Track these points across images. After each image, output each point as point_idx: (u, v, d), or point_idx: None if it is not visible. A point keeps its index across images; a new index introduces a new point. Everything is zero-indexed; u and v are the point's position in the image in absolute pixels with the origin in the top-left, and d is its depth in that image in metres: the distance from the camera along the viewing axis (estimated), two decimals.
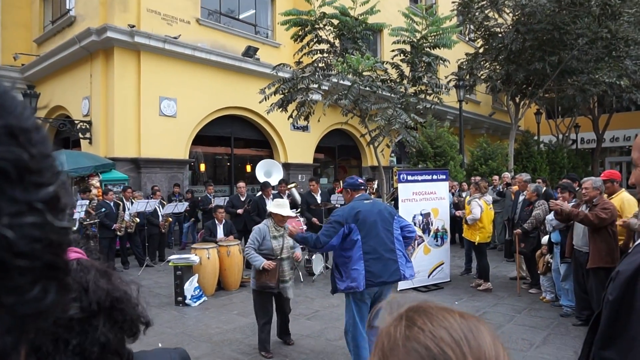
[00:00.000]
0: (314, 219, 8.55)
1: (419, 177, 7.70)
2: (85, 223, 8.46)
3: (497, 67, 15.84)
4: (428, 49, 10.18)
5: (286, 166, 14.37)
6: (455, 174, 12.18)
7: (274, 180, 9.81)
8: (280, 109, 9.90)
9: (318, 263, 8.19)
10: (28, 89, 12.14)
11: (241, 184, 9.41)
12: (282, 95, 9.73)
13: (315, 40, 10.07)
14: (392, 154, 16.83)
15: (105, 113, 11.12)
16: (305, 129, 14.32)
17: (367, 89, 9.69)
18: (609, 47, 13.82)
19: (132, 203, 9.13)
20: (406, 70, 10.53)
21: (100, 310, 0.76)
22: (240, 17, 13.80)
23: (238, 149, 14.27)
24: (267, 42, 14.02)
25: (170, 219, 10.09)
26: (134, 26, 10.87)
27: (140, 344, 0.93)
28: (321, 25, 9.94)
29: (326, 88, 10.88)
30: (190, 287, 6.46)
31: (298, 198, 8.95)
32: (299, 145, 14.63)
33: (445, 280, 7.62)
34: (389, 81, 10.44)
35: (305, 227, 7.99)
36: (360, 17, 10.09)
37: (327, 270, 8.49)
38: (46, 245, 0.36)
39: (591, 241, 5.17)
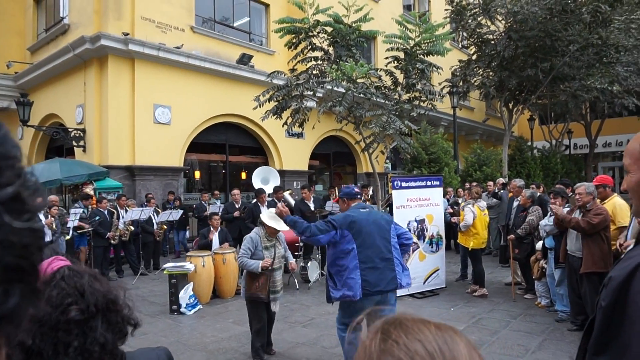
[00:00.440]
0: (285, 227, 8.53)
1: (413, 184, 7.72)
2: (79, 232, 8.40)
3: (490, 73, 15.96)
4: (421, 56, 10.25)
5: (281, 173, 14.35)
6: (449, 180, 12.23)
7: (270, 187, 9.80)
8: (275, 116, 9.92)
9: (314, 270, 8.17)
10: (21, 97, 12.08)
11: (236, 192, 9.39)
12: (277, 103, 9.75)
13: (309, 47, 10.11)
14: (387, 161, 16.87)
15: (99, 121, 11.09)
16: (300, 135, 14.34)
17: (362, 95, 9.74)
18: (600, 54, 13.97)
19: (126, 211, 9.09)
20: (400, 77, 10.59)
21: (98, 312, 0.78)
22: (235, 24, 13.84)
23: (233, 156, 14.26)
24: (261, 50, 14.06)
25: (165, 227, 10.05)
26: (128, 34, 10.88)
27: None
28: (315, 33, 9.99)
29: (320, 95, 10.92)
30: (185, 295, 6.42)
31: (292, 202, 8.95)
32: (293, 152, 14.65)
33: (441, 286, 7.63)
34: (383, 88, 10.50)
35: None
36: (353, 25, 10.15)
37: (323, 277, 8.47)
38: (6, 248, 0.35)
39: (584, 246, 5.20)
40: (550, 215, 5.96)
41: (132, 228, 9.02)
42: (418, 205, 7.57)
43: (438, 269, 7.62)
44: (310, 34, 9.93)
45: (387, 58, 10.55)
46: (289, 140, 14.27)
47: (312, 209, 8.74)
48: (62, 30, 12.38)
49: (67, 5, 12.47)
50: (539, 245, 6.50)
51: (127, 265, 9.36)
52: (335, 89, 10.05)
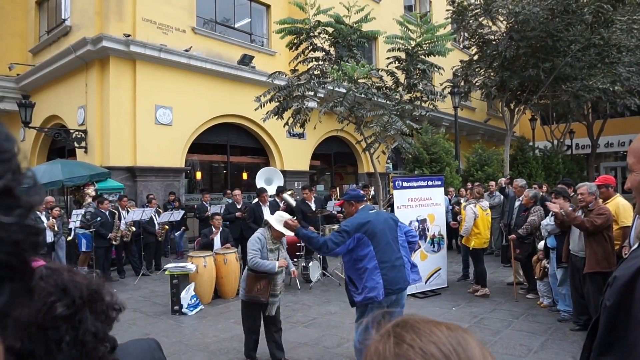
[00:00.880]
0: (310, 227, 8.53)
1: (415, 184, 7.70)
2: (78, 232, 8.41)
3: (492, 74, 15.95)
4: (423, 57, 10.24)
5: (282, 173, 14.34)
6: (451, 180, 12.21)
7: (274, 188, 9.81)
8: (276, 117, 9.92)
9: (315, 270, 8.17)
10: (23, 98, 12.11)
11: (237, 192, 9.38)
12: (278, 103, 9.75)
13: (310, 48, 10.11)
14: (388, 161, 16.87)
15: (101, 122, 11.11)
16: (301, 136, 14.34)
17: (363, 96, 9.73)
18: (602, 54, 13.95)
19: (127, 212, 9.10)
20: (401, 77, 10.58)
21: (85, 304, 0.79)
22: (236, 25, 13.86)
23: (234, 156, 14.27)
24: (262, 50, 14.08)
25: (167, 227, 10.05)
26: (129, 35, 10.89)
27: None
28: (316, 34, 9.99)
29: (322, 95, 10.92)
30: (186, 295, 6.42)
31: (293, 204, 8.94)
32: (295, 153, 14.65)
33: (443, 286, 7.61)
34: (384, 88, 10.49)
35: (292, 234, 7.97)
36: (355, 25, 10.15)
37: (325, 277, 8.47)
38: None
39: (587, 246, 5.18)
40: (552, 215, 5.94)
41: (134, 229, 9.03)
42: (419, 205, 7.56)
43: (440, 269, 7.61)
44: (312, 34, 9.93)
45: (388, 58, 10.55)
46: (290, 140, 14.27)
47: (314, 209, 8.73)
48: (63, 32, 12.41)
49: (69, 7, 12.50)
50: (540, 245, 6.49)
51: (129, 265, 9.36)
52: (337, 89, 10.05)
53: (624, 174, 22.33)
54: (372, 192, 11.99)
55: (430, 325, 0.62)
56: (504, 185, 10.14)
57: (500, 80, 15.31)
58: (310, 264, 8.07)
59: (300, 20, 9.79)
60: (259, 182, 10.32)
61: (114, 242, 8.70)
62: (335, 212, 10.21)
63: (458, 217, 8.61)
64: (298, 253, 8.04)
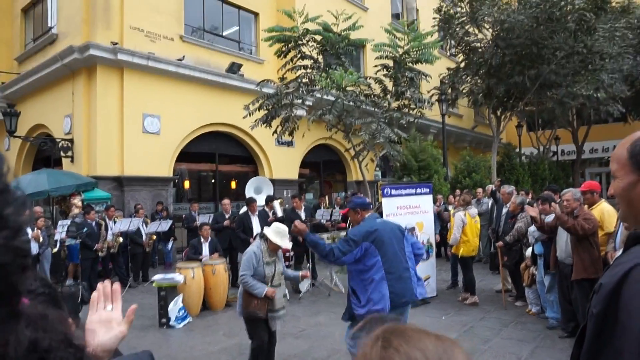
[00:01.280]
0: (300, 236, 8.49)
1: (403, 191, 7.73)
2: (65, 244, 8.29)
3: (478, 81, 16.12)
4: (410, 64, 10.33)
5: (271, 182, 14.32)
6: (439, 187, 12.28)
7: (263, 197, 9.76)
8: (265, 125, 9.92)
9: (305, 280, 8.12)
10: (8, 107, 11.96)
11: (226, 201, 9.33)
12: (267, 111, 9.76)
13: (298, 56, 10.16)
14: (377, 168, 16.92)
15: (88, 131, 10.99)
16: (289, 144, 14.33)
17: (351, 103, 9.79)
18: (585, 61, 14.18)
19: (114, 222, 8.98)
20: (389, 85, 10.66)
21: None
22: (224, 33, 13.85)
23: (223, 165, 14.20)
24: (251, 58, 14.08)
25: (154, 237, 9.94)
26: (116, 43, 10.83)
27: None
28: (304, 42, 10.04)
29: (310, 103, 10.94)
30: (174, 307, 6.34)
31: (279, 213, 8.91)
32: (283, 161, 14.62)
33: (432, 295, 7.62)
34: (372, 96, 10.56)
35: (290, 245, 7.94)
36: (343, 33, 10.22)
37: (314, 287, 8.43)
38: None
39: (574, 253, 5.23)
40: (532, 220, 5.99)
41: (121, 239, 8.91)
42: (408, 212, 7.58)
43: (429, 277, 7.61)
44: (300, 42, 9.99)
45: (376, 66, 10.63)
46: (278, 148, 14.25)
47: (303, 218, 8.70)
48: (50, 40, 12.29)
49: (56, 15, 12.39)
50: (528, 252, 6.53)
51: (116, 277, 9.23)
52: (325, 97, 10.08)
53: (608, 179, 22.64)
54: None
55: (419, 334, 0.63)
56: (494, 189, 10.14)
57: (487, 87, 15.49)
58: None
59: (288, 29, 9.83)
60: (249, 192, 10.28)
61: (100, 254, 8.57)
62: (325, 221, 10.21)
63: (448, 225, 8.64)
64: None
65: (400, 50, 10.21)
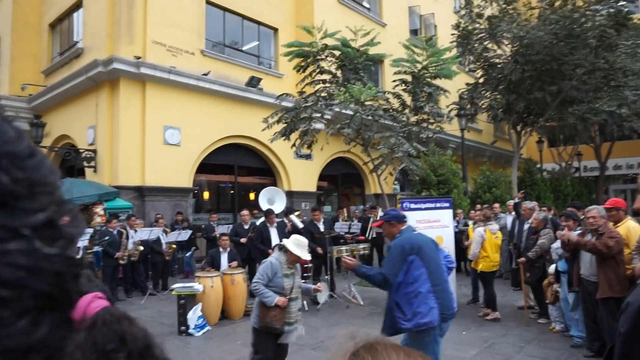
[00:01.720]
0: (319, 248, 8.49)
1: (423, 205, 7.67)
2: (88, 252, 8.42)
3: (498, 96, 16.05)
4: (429, 79, 10.35)
5: (290, 194, 14.36)
6: (459, 202, 12.16)
7: (277, 208, 9.79)
8: (284, 138, 10.00)
9: (323, 292, 8.08)
10: (35, 118, 12.30)
11: (244, 212, 9.39)
12: (285, 124, 9.84)
13: (317, 70, 10.26)
14: (396, 182, 16.86)
15: (110, 142, 11.22)
16: (308, 157, 14.40)
17: (370, 118, 9.80)
18: (608, 77, 14.03)
19: (135, 231, 9.11)
20: (408, 99, 10.67)
21: (140, 356, 0.77)
22: (244, 48, 14.09)
23: (242, 177, 14.32)
24: (270, 73, 14.27)
25: (174, 246, 10.03)
26: (139, 57, 11.09)
27: None
28: (323, 56, 10.14)
29: (329, 117, 11.00)
30: (193, 316, 6.36)
31: (299, 225, 8.92)
32: (302, 174, 14.68)
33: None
34: (391, 110, 10.58)
35: (309, 257, 7.93)
36: (361, 49, 10.30)
37: (332, 299, 8.38)
38: (36, 274, 0.33)
39: (599, 271, 5.11)
40: (556, 240, 5.89)
41: (142, 248, 9.02)
42: (428, 227, 7.49)
43: None
44: (319, 57, 10.09)
45: (394, 81, 10.67)
46: (297, 161, 14.33)
47: (322, 230, 8.70)
48: (75, 54, 12.66)
49: (81, 29, 12.78)
50: (551, 268, 6.40)
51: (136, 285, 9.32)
52: (344, 111, 10.14)
53: (633, 196, 22.13)
54: (381, 214, 11.95)
55: (389, 349, 0.65)
56: (518, 200, 9.89)
57: (507, 102, 15.40)
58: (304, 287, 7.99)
59: (307, 44, 9.96)
60: (262, 202, 10.33)
61: (121, 262, 8.69)
62: (343, 233, 10.18)
63: (467, 241, 8.53)
64: (305, 274, 7.97)
65: (419, 66, 10.25)
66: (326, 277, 8.66)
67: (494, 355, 5.40)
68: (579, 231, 5.76)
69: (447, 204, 7.93)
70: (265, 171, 14.60)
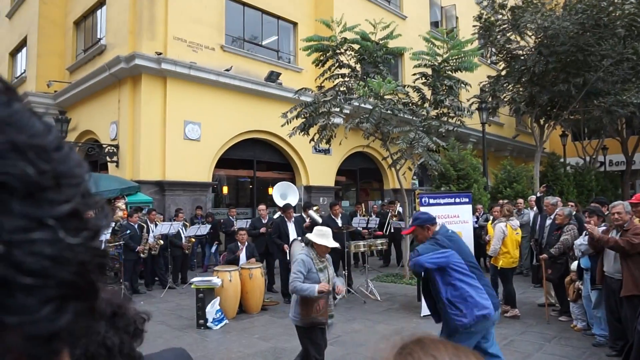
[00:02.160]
0: (336, 243, 8.47)
1: (442, 201, 7.60)
2: (109, 245, 8.60)
3: (520, 89, 15.71)
4: (449, 72, 10.18)
5: (308, 189, 14.40)
6: (479, 197, 11.99)
7: (292, 203, 9.82)
8: (302, 133, 9.99)
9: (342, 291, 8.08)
10: (60, 114, 12.60)
11: (262, 207, 9.45)
12: (304, 119, 9.83)
13: (336, 65, 10.19)
14: (414, 177, 16.73)
15: (132, 137, 11.42)
16: (327, 152, 14.39)
17: (389, 112, 9.71)
18: (636, 68, 13.58)
19: (156, 225, 9.26)
20: (428, 93, 10.53)
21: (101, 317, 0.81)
22: (263, 43, 14.12)
23: (260, 171, 14.41)
24: (289, 67, 14.27)
25: (194, 240, 10.17)
26: (160, 53, 11.23)
27: None
28: (342, 50, 10.07)
29: (347, 112, 10.95)
30: (212, 309, 6.45)
31: (319, 220, 8.92)
32: (320, 168, 14.69)
33: None
34: (410, 104, 10.45)
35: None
36: (381, 42, 10.19)
37: (349, 294, 8.38)
38: (60, 263, 0.35)
39: (624, 268, 4.97)
40: (586, 235, 5.74)
41: (162, 242, 9.18)
42: (447, 222, 7.40)
43: None
44: (338, 51, 10.02)
45: (414, 74, 10.53)
46: (315, 156, 14.33)
47: (340, 225, 8.70)
48: (99, 50, 12.89)
49: (104, 27, 13.01)
50: (574, 265, 6.27)
51: (156, 278, 9.49)
52: (363, 105, 10.07)
53: None
54: (399, 209, 11.89)
55: (437, 343, 0.67)
56: (540, 194, 9.69)
57: (530, 95, 15.06)
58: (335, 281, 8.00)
59: (326, 38, 9.90)
60: (275, 197, 10.38)
61: (142, 255, 8.86)
62: (361, 229, 10.15)
63: (486, 237, 8.41)
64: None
65: (439, 59, 10.09)
66: (343, 272, 8.66)
67: (513, 352, 5.33)
68: (604, 227, 5.62)
69: (466, 199, 7.84)
70: (284, 166, 14.65)
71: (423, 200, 7.48)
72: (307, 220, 8.79)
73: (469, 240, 7.64)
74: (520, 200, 10.68)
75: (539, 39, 14.43)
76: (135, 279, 8.98)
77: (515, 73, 15.38)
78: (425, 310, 6.61)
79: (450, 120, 10.72)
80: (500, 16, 15.39)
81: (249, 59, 13.27)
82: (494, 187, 14.80)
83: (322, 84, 10.31)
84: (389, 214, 11.87)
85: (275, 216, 9.16)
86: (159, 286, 9.29)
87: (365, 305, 7.73)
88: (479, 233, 9.64)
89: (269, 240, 8.64)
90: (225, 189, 14.19)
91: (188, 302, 7.76)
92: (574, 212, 7.54)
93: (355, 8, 14.53)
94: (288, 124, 9.97)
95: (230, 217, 11.05)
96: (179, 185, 11.49)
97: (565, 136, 20.49)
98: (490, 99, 15.87)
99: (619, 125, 19.62)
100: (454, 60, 10.07)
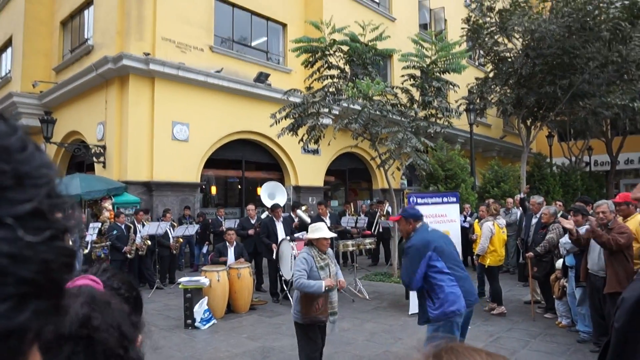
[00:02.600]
0: (333, 233, 8.50)
1: (430, 200, 7.66)
2: (96, 245, 8.53)
3: (508, 91, 15.87)
4: (438, 74, 10.27)
5: (297, 189, 14.40)
6: (466, 197, 12.09)
7: (280, 202, 9.81)
8: (291, 133, 10.00)
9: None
10: (45, 115, 12.44)
11: (250, 207, 9.43)
12: (293, 120, 9.84)
13: (325, 66, 10.23)
14: (403, 177, 16.81)
15: (119, 138, 11.33)
16: (315, 152, 14.41)
17: (377, 113, 9.77)
18: (621, 71, 13.79)
19: (143, 225, 9.20)
20: (416, 94, 10.61)
21: (70, 337, 0.77)
22: (253, 44, 14.11)
23: (249, 172, 14.38)
24: (278, 68, 14.28)
25: (182, 240, 10.12)
26: (149, 54, 11.16)
27: None
28: (331, 52, 10.11)
29: (336, 112, 10.98)
30: (200, 309, 6.43)
31: (307, 220, 8.93)
32: (309, 169, 14.70)
33: None
34: (399, 105, 10.52)
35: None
36: (370, 44, 10.25)
37: (338, 292, 8.38)
38: (19, 262, 0.35)
39: (608, 265, 5.06)
40: (565, 234, 5.84)
41: (149, 242, 9.11)
42: (434, 221, 7.47)
43: None
44: (327, 52, 10.06)
45: (403, 76, 10.60)
46: (304, 156, 14.35)
47: (328, 225, 8.70)
48: (86, 50, 12.78)
49: (92, 26, 12.90)
50: (559, 263, 6.36)
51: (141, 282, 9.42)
52: (351, 106, 10.11)
53: None
54: (388, 208, 11.94)
55: (470, 351, 0.66)
56: (523, 196, 9.92)
57: (517, 97, 15.22)
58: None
59: (315, 39, 9.93)
60: (263, 197, 10.37)
61: (128, 256, 8.79)
62: (350, 228, 10.18)
63: (473, 235, 8.49)
64: None
65: (428, 60, 10.17)
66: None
67: (499, 349, 5.38)
68: (587, 226, 5.70)
69: (454, 199, 7.91)
70: (272, 166, 14.64)
71: (411, 199, 7.54)
72: (296, 220, 8.79)
73: (456, 239, 7.71)
74: (510, 200, 10.81)
75: (526, 42, 14.60)
76: None
77: (502, 75, 15.54)
78: (413, 309, 6.66)
79: (438, 121, 10.81)
80: (488, 19, 15.54)
81: (238, 60, 13.24)
82: (482, 186, 14.94)
83: (311, 85, 10.33)
84: (378, 214, 11.92)
85: (264, 216, 9.15)
86: (147, 287, 9.22)
87: (354, 304, 7.75)
88: (467, 232, 9.74)
89: (257, 239, 8.63)
90: (213, 189, 14.14)
91: (176, 302, 7.72)
92: (560, 212, 7.66)
93: (345, 10, 14.60)
94: (277, 124, 9.97)
95: (219, 217, 11.02)
96: (166, 185, 11.42)
97: (552, 137, 20.74)
98: (478, 100, 16.02)
99: (604, 127, 19.90)
100: (442, 62, 10.16)
